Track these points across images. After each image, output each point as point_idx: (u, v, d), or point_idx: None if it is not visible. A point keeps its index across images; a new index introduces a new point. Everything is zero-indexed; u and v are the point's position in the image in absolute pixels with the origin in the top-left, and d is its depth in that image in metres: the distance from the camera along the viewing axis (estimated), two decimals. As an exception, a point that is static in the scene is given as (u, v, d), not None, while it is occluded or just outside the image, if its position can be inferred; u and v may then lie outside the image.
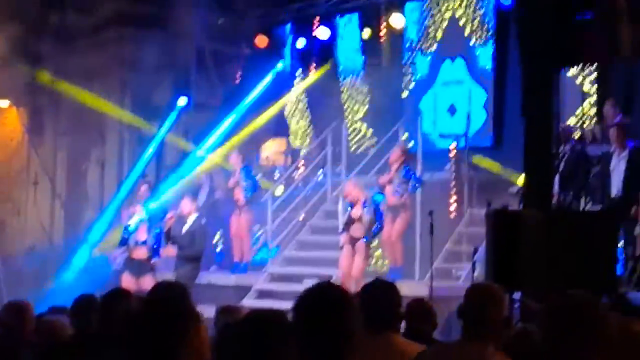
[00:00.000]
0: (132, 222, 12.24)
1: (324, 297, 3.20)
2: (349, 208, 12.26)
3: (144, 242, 12.08)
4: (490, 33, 15.28)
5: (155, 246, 12.14)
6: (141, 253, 12.06)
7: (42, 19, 16.90)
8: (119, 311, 4.75)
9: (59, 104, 17.17)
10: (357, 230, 11.99)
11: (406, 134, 15.34)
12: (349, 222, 12.07)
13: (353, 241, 12.00)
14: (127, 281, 11.74)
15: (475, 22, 15.48)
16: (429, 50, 16.10)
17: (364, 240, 11.93)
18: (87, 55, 16.15)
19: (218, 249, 15.13)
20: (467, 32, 15.58)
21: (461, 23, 15.65)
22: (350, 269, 11.95)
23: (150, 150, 16.16)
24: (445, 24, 15.93)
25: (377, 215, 12.01)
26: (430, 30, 16.08)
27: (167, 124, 16.24)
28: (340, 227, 12.37)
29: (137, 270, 11.98)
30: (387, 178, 12.75)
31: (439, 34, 16.00)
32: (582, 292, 3.12)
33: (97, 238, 15.24)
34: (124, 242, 12.27)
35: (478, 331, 4.22)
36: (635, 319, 4.17)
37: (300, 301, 3.20)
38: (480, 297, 4.38)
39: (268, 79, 17.35)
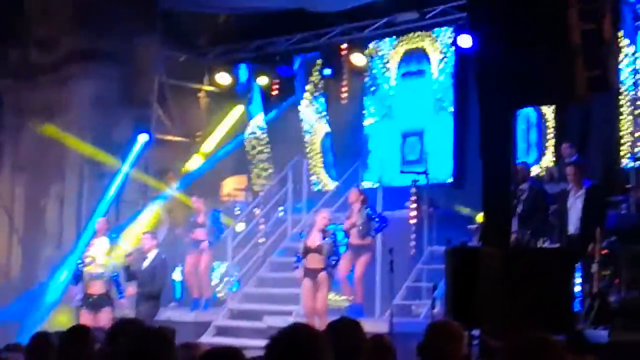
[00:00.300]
0: (87, 257, 12.14)
1: (297, 338, 3.20)
2: (303, 237, 12.12)
3: (99, 276, 11.96)
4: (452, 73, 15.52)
5: (115, 281, 12.03)
6: (97, 287, 11.94)
7: (3, 54, 16.84)
8: (79, 349, 4.72)
9: (18, 139, 17.06)
10: (314, 261, 11.86)
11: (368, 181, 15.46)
12: (306, 252, 11.96)
13: (311, 273, 11.89)
14: (85, 317, 11.63)
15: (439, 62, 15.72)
16: (390, 93, 16.30)
17: (326, 271, 11.83)
18: (48, 91, 16.11)
19: (178, 286, 15.02)
20: (434, 76, 15.78)
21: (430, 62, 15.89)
22: (313, 303, 11.85)
23: (114, 187, 15.97)
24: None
25: (335, 248, 11.98)
26: (392, 65, 16.29)
27: (129, 159, 16.12)
28: (300, 256, 12.18)
29: (94, 305, 11.86)
30: (350, 223, 12.71)
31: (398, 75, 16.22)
32: (541, 331, 3.16)
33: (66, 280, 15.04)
34: (76, 277, 12.16)
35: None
36: (589, 356, 4.23)
37: (274, 342, 3.20)
38: (439, 335, 4.42)
39: (229, 115, 17.41)
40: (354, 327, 4.49)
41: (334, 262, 11.92)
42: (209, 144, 16.97)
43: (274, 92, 17.42)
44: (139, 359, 3.24)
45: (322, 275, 11.76)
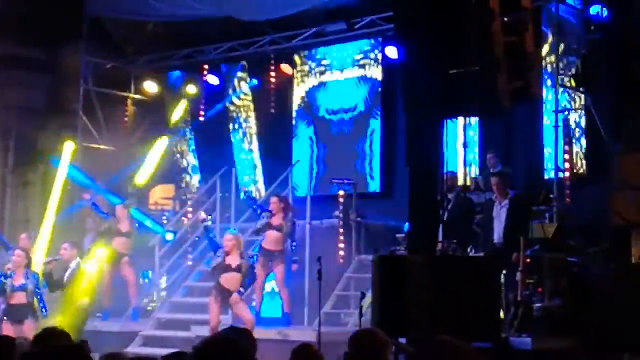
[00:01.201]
0: (9, 269, 11.93)
1: (226, 346, 3.20)
2: (219, 254, 11.80)
3: (22, 287, 11.75)
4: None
5: (39, 298, 11.81)
6: (19, 298, 11.73)
7: None
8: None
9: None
10: (231, 282, 11.59)
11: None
12: (223, 268, 11.65)
13: (223, 292, 11.59)
14: (7, 329, 11.41)
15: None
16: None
17: (238, 293, 11.59)
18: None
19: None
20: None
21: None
22: (218, 322, 11.66)
23: (53, 196, 15.62)
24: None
25: (252, 270, 11.87)
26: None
27: (65, 168, 15.82)
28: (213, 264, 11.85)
29: (16, 316, 11.63)
30: (274, 224, 12.70)
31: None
32: (451, 337, 3.22)
33: None
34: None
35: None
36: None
37: (197, 351, 3.19)
38: (364, 343, 4.45)
39: (157, 123, 17.32)
40: (243, 336, 4.55)
41: (248, 283, 11.77)
42: (138, 152, 16.83)
43: (203, 100, 17.39)
44: None
45: (235, 297, 11.53)
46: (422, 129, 8.63)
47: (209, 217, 13.09)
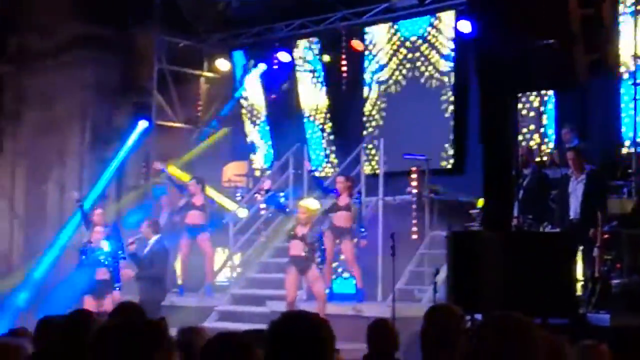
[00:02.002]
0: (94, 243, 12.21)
1: (301, 325, 3.20)
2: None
3: (104, 263, 12.02)
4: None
5: (114, 267, 12.06)
6: (101, 273, 12.01)
7: (2, 41, 16.84)
8: (81, 333, 4.73)
9: (18, 125, 17.08)
10: (297, 248, 11.71)
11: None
12: (292, 237, 11.79)
13: (296, 262, 11.68)
14: (89, 303, 11.67)
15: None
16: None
17: (318, 269, 11.70)
18: (47, 78, 16.11)
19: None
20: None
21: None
22: (296, 294, 11.80)
23: (108, 174, 15.98)
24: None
25: (320, 243, 11.91)
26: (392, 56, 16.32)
27: (128, 145, 16.14)
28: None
29: (98, 291, 11.92)
30: (341, 205, 12.68)
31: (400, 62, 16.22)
32: (520, 313, 3.18)
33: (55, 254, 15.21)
34: (81, 265, 12.20)
35: (438, 353, 4.28)
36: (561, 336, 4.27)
37: (275, 328, 3.20)
38: (439, 319, 4.44)
39: (229, 100, 17.48)
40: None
41: (323, 258, 11.82)
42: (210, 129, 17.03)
43: (275, 78, 17.44)
44: (118, 347, 3.20)
45: (313, 272, 11.62)
46: (497, 104, 8.52)
47: (266, 188, 13.20)
